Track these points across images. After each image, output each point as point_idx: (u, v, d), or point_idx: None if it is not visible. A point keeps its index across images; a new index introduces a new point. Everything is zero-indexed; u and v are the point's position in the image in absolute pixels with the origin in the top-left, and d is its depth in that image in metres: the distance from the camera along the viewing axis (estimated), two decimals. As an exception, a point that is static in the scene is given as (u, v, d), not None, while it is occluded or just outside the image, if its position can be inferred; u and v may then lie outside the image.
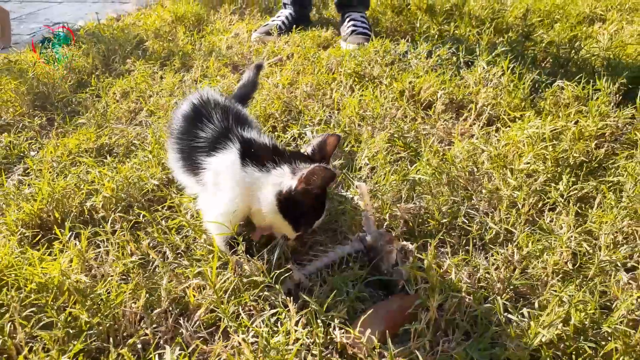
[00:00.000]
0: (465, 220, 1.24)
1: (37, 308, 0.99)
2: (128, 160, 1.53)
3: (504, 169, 1.40)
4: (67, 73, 2.14)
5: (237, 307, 1.02)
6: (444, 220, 1.24)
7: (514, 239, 1.19)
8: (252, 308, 1.03)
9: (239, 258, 1.10)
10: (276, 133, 1.66)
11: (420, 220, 1.26)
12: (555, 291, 1.02)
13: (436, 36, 2.35)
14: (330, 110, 1.80)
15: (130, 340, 0.96)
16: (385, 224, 1.23)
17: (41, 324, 0.96)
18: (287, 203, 1.07)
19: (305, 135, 1.57)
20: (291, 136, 1.61)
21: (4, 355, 0.94)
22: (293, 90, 1.92)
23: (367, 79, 1.99)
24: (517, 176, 1.35)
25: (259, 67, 1.64)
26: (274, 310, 0.99)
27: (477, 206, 1.30)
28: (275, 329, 0.97)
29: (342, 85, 1.93)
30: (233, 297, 1.04)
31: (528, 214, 1.27)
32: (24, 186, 1.38)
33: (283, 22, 2.64)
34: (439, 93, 1.79)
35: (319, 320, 0.96)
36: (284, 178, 1.07)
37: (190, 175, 1.20)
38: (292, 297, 1.03)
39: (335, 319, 0.96)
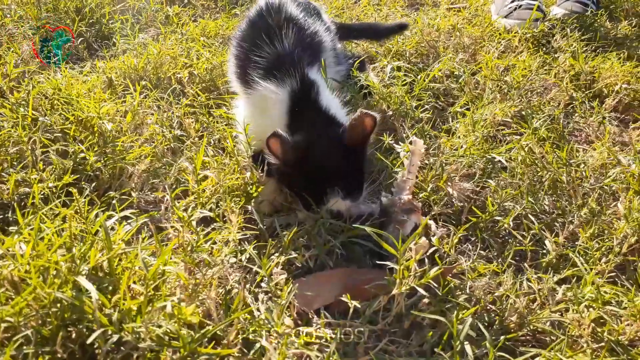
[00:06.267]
0: (516, 227, 0.95)
1: (63, 135, 1.08)
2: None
3: (636, 193, 1.02)
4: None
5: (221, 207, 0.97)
6: (498, 219, 0.97)
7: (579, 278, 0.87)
8: (232, 212, 0.96)
9: (246, 164, 1.03)
10: (398, 72, 1.46)
11: (473, 206, 1.01)
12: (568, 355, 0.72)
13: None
14: (474, 66, 1.52)
15: (112, 193, 0.98)
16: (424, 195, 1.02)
17: (58, 147, 1.04)
18: (277, 170, 0.96)
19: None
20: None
21: (22, 165, 1.03)
22: (447, 39, 1.67)
23: (545, 49, 1.63)
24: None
25: (402, 27, 1.57)
26: (218, 225, 0.91)
27: (569, 221, 0.98)
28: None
29: (506, 45, 1.62)
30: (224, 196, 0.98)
31: (626, 257, 0.91)
32: (148, 47, 1.51)
33: None
34: (619, 85, 1.37)
35: (276, 255, 0.86)
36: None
37: (241, 83, 1.13)
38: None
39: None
